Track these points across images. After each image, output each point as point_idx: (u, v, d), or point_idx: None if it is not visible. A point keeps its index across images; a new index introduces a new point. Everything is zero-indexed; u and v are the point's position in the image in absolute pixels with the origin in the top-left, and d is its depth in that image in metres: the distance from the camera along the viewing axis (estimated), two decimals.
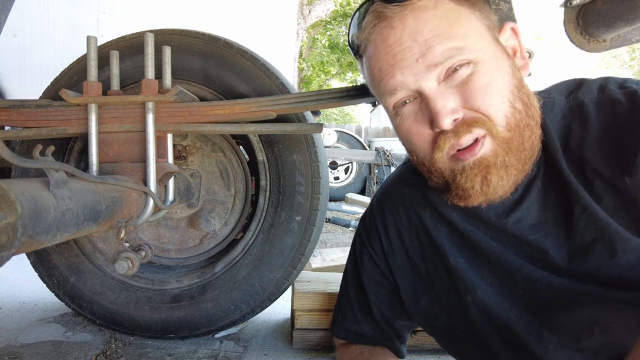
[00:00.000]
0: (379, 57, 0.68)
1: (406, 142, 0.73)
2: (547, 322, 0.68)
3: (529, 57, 0.74)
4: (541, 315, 0.69)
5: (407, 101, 0.68)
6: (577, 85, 0.73)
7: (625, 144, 0.63)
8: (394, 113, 0.71)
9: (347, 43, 0.83)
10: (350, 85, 1.26)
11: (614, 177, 0.64)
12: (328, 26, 12.85)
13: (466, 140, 0.64)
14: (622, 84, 0.69)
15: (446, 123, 0.63)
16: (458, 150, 0.66)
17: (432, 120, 0.65)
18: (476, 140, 0.64)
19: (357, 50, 0.74)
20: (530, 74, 0.74)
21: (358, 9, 0.72)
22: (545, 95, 0.73)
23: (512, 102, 0.64)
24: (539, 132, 0.68)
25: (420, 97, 0.67)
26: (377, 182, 5.66)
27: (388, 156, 5.47)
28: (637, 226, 0.62)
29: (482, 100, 0.63)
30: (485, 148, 0.64)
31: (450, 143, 0.64)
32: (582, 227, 0.65)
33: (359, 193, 5.94)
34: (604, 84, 0.70)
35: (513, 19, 0.89)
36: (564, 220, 0.67)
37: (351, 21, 0.75)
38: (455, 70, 0.64)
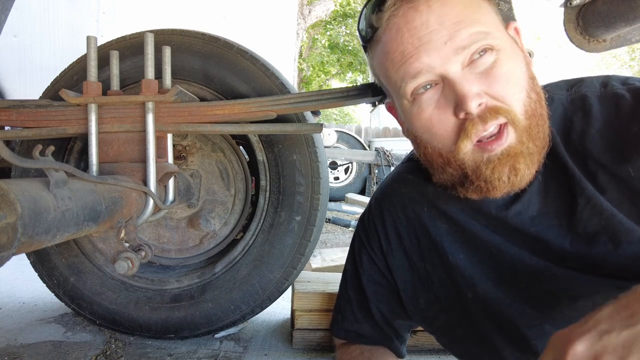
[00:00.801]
0: (402, 39, 0.66)
1: (425, 132, 0.69)
2: (549, 315, 0.68)
3: (529, 57, 0.74)
4: (543, 308, 0.69)
5: (428, 87, 0.66)
6: (578, 80, 0.73)
7: (629, 137, 0.64)
8: (411, 101, 0.68)
9: (354, 41, 0.82)
10: (350, 85, 1.26)
11: (617, 169, 0.64)
12: (328, 26, 12.85)
13: (491, 125, 0.63)
14: (625, 80, 0.69)
15: (473, 106, 0.62)
16: (480, 141, 0.64)
17: (457, 104, 0.63)
18: (500, 131, 0.64)
19: (371, 36, 0.71)
20: None
21: None
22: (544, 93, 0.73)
23: (528, 91, 0.65)
24: (549, 124, 0.68)
25: (444, 82, 0.65)
26: (377, 182, 5.66)
27: (388, 156, 5.47)
28: None
29: (505, 88, 0.63)
30: (511, 137, 0.64)
31: (477, 129, 0.63)
32: (586, 218, 0.65)
33: (359, 193, 5.94)
34: (606, 80, 0.71)
35: (513, 19, 0.89)
36: (567, 211, 0.67)
37: (364, 8, 0.73)
38: (479, 55, 0.64)
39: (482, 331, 0.75)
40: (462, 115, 0.64)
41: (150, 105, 1.08)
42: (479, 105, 0.63)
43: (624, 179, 0.63)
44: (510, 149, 0.64)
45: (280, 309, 1.61)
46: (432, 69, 0.64)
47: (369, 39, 0.73)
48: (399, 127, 0.82)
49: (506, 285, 0.72)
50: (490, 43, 0.63)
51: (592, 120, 0.67)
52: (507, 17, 0.87)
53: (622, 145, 0.64)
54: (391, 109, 0.82)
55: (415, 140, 0.74)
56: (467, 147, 0.65)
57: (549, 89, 0.74)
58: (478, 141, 0.64)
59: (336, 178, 6.13)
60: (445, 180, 0.73)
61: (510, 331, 0.72)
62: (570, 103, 0.71)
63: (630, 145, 0.63)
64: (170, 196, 1.18)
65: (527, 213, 0.70)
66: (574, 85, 0.73)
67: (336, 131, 6.19)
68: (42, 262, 1.31)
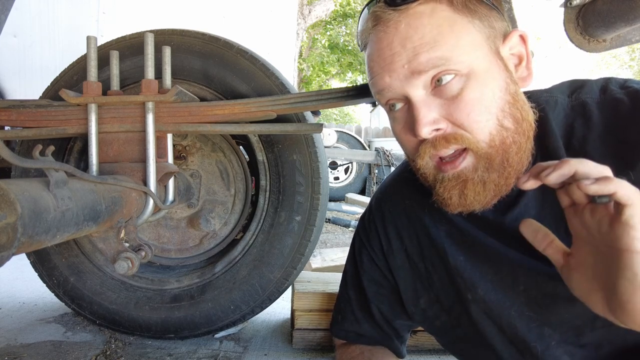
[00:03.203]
0: (373, 57, 0.69)
1: (399, 143, 0.75)
2: (548, 317, 0.69)
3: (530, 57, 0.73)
4: (542, 311, 0.69)
5: (400, 105, 0.70)
6: (579, 86, 0.73)
7: (628, 141, 0.64)
8: (388, 112, 0.73)
9: (354, 41, 0.85)
10: (350, 85, 1.26)
11: (618, 174, 0.64)
12: (328, 26, 12.86)
13: (444, 152, 0.65)
14: (624, 84, 0.69)
15: (424, 132, 0.64)
16: (441, 159, 0.67)
17: (413, 127, 0.66)
18: (459, 153, 0.65)
19: (361, 50, 0.77)
20: None
21: (364, 8, 0.74)
22: (548, 94, 0.73)
23: (500, 119, 0.64)
24: (530, 146, 0.67)
25: (408, 104, 0.68)
26: (377, 182, 5.66)
27: (388, 156, 5.47)
28: None
29: (467, 116, 0.63)
30: (467, 162, 0.65)
31: (430, 153, 0.66)
32: None
33: (359, 193, 5.94)
34: (605, 84, 0.70)
35: (513, 19, 0.89)
36: (564, 216, 0.67)
37: (359, 19, 0.77)
38: (441, 81, 0.63)
39: (482, 332, 0.75)
40: (419, 138, 0.66)
41: (150, 105, 1.08)
42: (435, 130, 0.64)
43: None
44: (461, 173, 0.65)
45: (280, 309, 1.61)
46: (393, 89, 0.67)
47: (361, 50, 0.78)
48: None
49: (505, 288, 0.72)
50: (451, 68, 0.63)
51: (592, 126, 0.67)
52: (508, 19, 0.87)
53: (622, 150, 0.64)
54: None
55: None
56: (423, 165, 0.68)
57: (552, 91, 0.74)
58: (439, 159, 0.67)
59: (336, 178, 6.13)
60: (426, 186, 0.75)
61: (509, 333, 0.72)
62: (570, 109, 0.71)
63: (630, 150, 0.63)
64: (170, 196, 1.18)
65: (524, 218, 0.70)
66: (575, 92, 0.72)
67: (336, 131, 6.19)
68: (42, 262, 1.31)
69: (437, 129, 0.64)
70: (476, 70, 0.63)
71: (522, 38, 0.70)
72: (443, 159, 0.66)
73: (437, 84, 0.64)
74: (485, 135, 0.63)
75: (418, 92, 0.65)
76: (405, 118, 0.69)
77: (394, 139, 0.80)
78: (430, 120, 0.64)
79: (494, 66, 0.65)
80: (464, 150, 0.65)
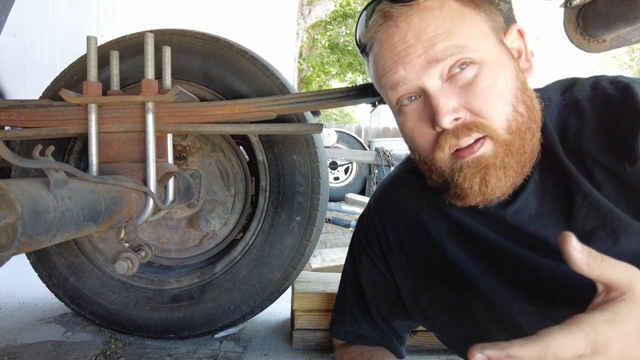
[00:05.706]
0: (384, 54, 0.69)
1: (409, 140, 0.74)
2: (550, 312, 0.68)
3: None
4: (544, 306, 0.69)
5: (413, 98, 0.69)
6: (570, 84, 0.74)
7: (622, 133, 0.64)
8: (398, 110, 0.72)
9: (354, 41, 0.84)
10: (350, 85, 1.26)
11: (613, 166, 0.64)
12: (328, 26, 12.87)
13: (465, 141, 0.65)
14: (613, 79, 0.70)
15: (446, 121, 0.64)
16: (457, 150, 0.66)
17: (433, 118, 0.66)
18: (476, 140, 0.65)
19: (363, 48, 0.76)
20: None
21: (365, 8, 0.73)
22: (542, 93, 0.74)
23: (514, 105, 0.65)
24: (540, 134, 0.69)
25: (424, 95, 0.67)
26: (377, 182, 5.66)
27: (388, 156, 5.47)
28: (638, 213, 0.62)
29: (485, 103, 0.64)
30: (486, 148, 0.65)
31: (450, 143, 0.65)
32: (584, 216, 0.65)
33: (359, 193, 5.94)
34: (596, 81, 0.71)
35: (513, 20, 0.89)
36: (564, 209, 0.68)
37: (358, 20, 0.76)
38: (460, 69, 0.64)
39: (483, 329, 0.75)
40: (438, 129, 0.66)
41: (150, 105, 1.08)
42: (455, 120, 0.64)
43: (620, 175, 0.64)
44: (481, 158, 0.65)
45: (280, 309, 1.61)
46: (408, 81, 0.67)
47: (362, 51, 0.77)
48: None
49: (507, 283, 0.72)
50: (467, 56, 0.64)
51: (586, 121, 0.68)
52: (507, 18, 0.87)
53: (616, 142, 0.64)
54: None
55: (407, 145, 0.77)
56: (442, 157, 0.67)
57: (546, 90, 0.75)
58: (456, 150, 0.66)
59: (336, 178, 6.13)
60: (434, 185, 0.74)
61: (512, 328, 0.72)
62: (564, 107, 0.72)
63: (623, 141, 0.64)
64: (170, 196, 1.18)
65: (525, 212, 0.70)
66: (567, 90, 0.73)
67: (336, 131, 6.19)
68: (42, 262, 1.31)
69: (457, 118, 0.64)
70: (489, 59, 0.65)
71: (520, 33, 0.72)
72: (458, 149, 0.66)
73: (454, 73, 0.64)
74: (502, 121, 0.64)
75: (434, 82, 0.65)
76: (419, 111, 0.69)
77: (394, 139, 0.80)
78: (450, 109, 0.64)
79: (503, 55, 0.67)
80: (480, 138, 0.65)
